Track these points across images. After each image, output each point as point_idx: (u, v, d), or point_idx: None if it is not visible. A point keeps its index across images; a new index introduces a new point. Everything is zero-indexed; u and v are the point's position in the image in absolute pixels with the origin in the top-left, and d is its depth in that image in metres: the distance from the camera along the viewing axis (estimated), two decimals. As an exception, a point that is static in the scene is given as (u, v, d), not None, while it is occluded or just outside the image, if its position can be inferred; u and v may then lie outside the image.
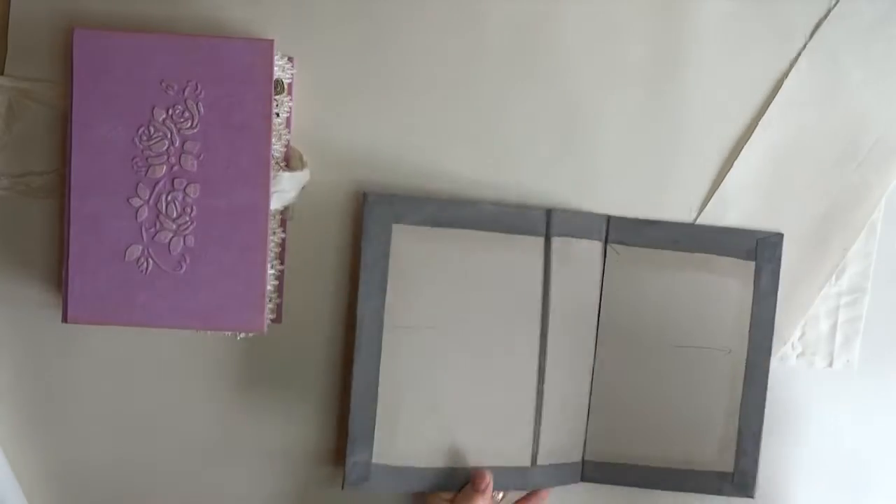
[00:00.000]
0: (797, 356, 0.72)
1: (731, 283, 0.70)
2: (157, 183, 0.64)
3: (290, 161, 0.67)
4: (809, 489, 0.73)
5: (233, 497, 0.70)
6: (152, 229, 0.64)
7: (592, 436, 0.70)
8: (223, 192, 0.64)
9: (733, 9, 0.70)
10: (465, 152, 0.69)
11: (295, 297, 0.69)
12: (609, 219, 0.70)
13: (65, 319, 0.64)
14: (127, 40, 0.63)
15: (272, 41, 0.64)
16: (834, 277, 0.71)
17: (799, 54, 0.70)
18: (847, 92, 0.70)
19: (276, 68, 0.64)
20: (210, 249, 0.64)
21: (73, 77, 0.63)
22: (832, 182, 0.71)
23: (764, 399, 0.70)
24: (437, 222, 0.67)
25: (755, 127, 0.70)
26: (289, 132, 0.68)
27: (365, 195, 0.67)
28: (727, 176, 0.70)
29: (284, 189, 0.66)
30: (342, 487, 0.66)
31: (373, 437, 0.66)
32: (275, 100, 0.65)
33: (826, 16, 0.70)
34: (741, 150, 0.70)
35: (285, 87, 0.67)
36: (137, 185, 0.64)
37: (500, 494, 0.69)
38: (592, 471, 0.70)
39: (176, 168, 0.64)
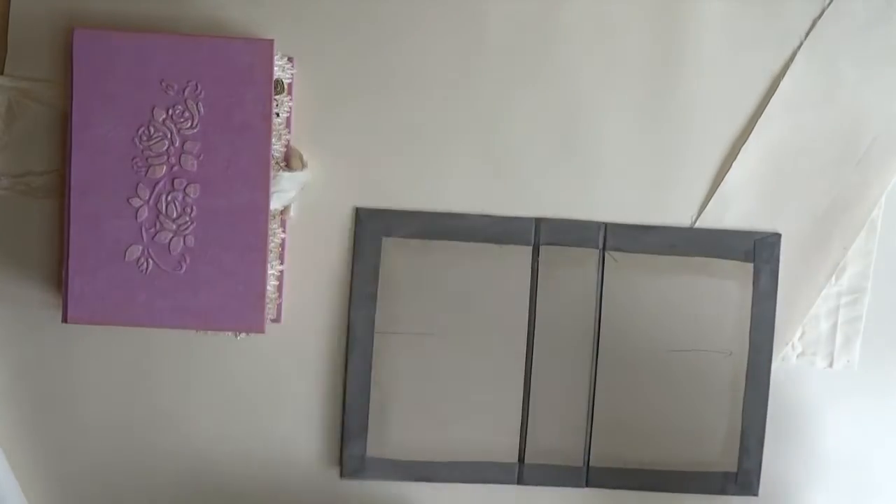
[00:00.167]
0: (797, 356, 0.72)
1: (731, 285, 0.70)
2: (157, 183, 0.64)
3: (290, 161, 0.67)
4: (812, 488, 0.73)
5: (233, 496, 0.70)
6: (152, 229, 0.64)
7: (596, 441, 0.70)
8: (223, 192, 0.64)
9: (729, 9, 0.70)
10: (465, 151, 0.69)
11: (295, 297, 0.69)
12: (606, 226, 0.70)
13: (65, 319, 0.64)
14: (127, 40, 0.63)
15: (272, 41, 0.64)
16: (834, 277, 0.71)
17: (795, 54, 0.70)
18: (844, 91, 0.70)
19: (276, 68, 0.64)
20: (210, 249, 0.64)
21: (73, 77, 0.63)
22: (831, 181, 0.71)
23: (766, 400, 0.70)
24: (426, 234, 0.69)
25: (753, 127, 0.70)
26: (289, 132, 0.68)
27: (357, 210, 0.68)
28: (726, 177, 0.70)
29: (284, 189, 0.66)
30: (340, 477, 0.69)
31: (366, 432, 0.69)
32: (275, 100, 0.65)
33: (821, 15, 0.70)
34: (740, 151, 0.70)
35: (285, 87, 0.67)
36: (137, 185, 0.64)
37: None
38: (597, 476, 0.71)
39: (176, 168, 0.64)
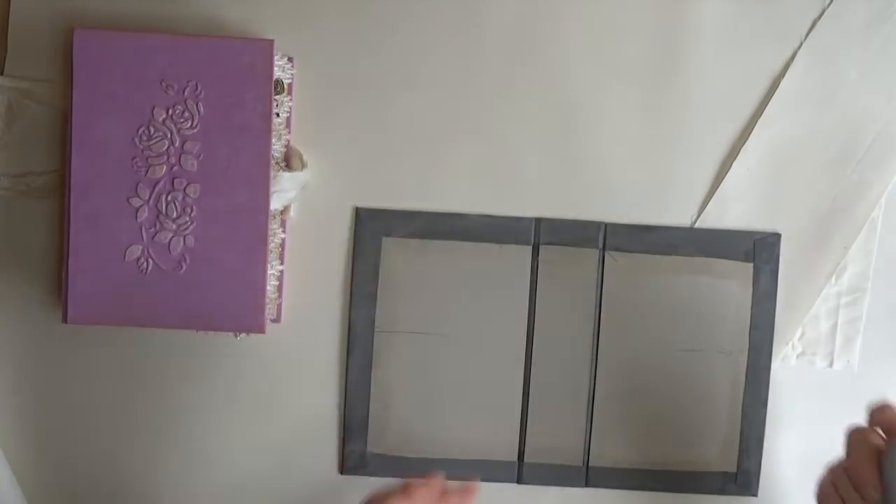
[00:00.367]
0: (797, 356, 0.72)
1: (731, 285, 0.70)
2: (157, 183, 0.64)
3: (290, 161, 0.67)
4: (811, 488, 0.73)
5: (233, 495, 0.70)
6: (152, 229, 0.64)
7: (596, 440, 0.71)
8: (223, 192, 0.64)
9: (729, 9, 0.70)
10: (465, 151, 0.69)
11: (295, 297, 0.69)
12: (606, 226, 0.70)
13: (65, 319, 0.64)
14: (127, 40, 0.63)
15: (272, 41, 0.64)
16: (834, 277, 0.71)
17: (795, 54, 0.70)
18: (844, 90, 0.70)
19: (276, 68, 0.64)
20: (210, 249, 0.64)
21: (73, 77, 0.63)
22: (832, 181, 0.71)
23: (766, 399, 0.70)
24: (426, 234, 0.69)
25: (753, 127, 0.70)
26: (289, 132, 0.68)
27: (357, 210, 0.69)
28: (726, 177, 0.70)
29: (284, 189, 0.66)
30: (340, 473, 0.69)
31: (367, 429, 0.70)
32: (275, 100, 0.65)
33: (821, 15, 0.70)
34: (740, 151, 0.70)
35: (285, 87, 0.67)
36: (137, 185, 0.64)
37: None
38: (597, 476, 0.71)
39: (176, 168, 0.64)
